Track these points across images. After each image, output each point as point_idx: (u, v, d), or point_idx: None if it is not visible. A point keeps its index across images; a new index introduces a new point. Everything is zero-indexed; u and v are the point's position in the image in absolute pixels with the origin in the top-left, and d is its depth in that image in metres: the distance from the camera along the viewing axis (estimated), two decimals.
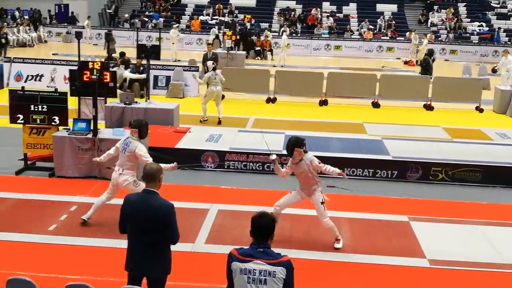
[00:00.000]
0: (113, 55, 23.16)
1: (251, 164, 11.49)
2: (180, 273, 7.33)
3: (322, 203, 7.99)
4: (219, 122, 14.95)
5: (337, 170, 8.06)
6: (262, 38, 31.96)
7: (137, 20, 38.32)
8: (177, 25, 34.44)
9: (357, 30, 38.88)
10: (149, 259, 5.43)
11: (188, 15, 41.02)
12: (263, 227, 4.59)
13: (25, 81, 19.53)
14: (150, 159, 8.11)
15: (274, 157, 8.02)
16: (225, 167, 11.50)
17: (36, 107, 10.79)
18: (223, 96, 18.72)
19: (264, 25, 38.43)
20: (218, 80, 15.07)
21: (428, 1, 41.74)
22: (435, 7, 41.28)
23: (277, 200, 8.33)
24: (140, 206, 5.36)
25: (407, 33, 35.93)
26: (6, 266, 7.14)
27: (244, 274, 4.49)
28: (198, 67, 20.55)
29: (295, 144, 7.80)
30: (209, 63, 15.64)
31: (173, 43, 28.64)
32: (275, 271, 4.45)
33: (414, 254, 8.11)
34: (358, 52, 34.84)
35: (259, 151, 11.57)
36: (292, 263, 4.53)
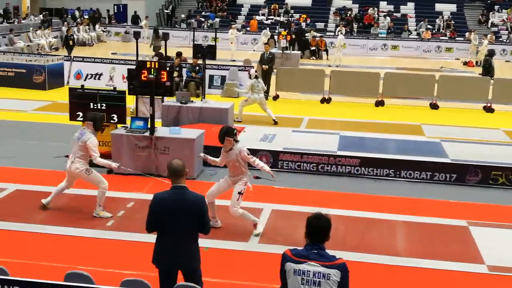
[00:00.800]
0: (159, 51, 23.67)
1: (305, 164, 11.42)
2: (233, 272, 7.36)
3: (240, 193, 8.27)
4: (275, 123, 14.91)
5: (266, 168, 8.46)
6: (309, 37, 31.77)
7: (193, 20, 38.75)
8: (236, 25, 34.62)
9: (415, 30, 38.19)
10: (187, 251, 5.59)
11: (244, 15, 41.21)
12: (319, 229, 4.54)
13: (85, 80, 20.02)
14: (97, 154, 8.70)
15: (202, 155, 8.87)
16: (279, 167, 11.47)
17: (95, 105, 11.03)
18: (277, 96, 18.77)
19: (319, 24, 38.23)
20: (261, 88, 15.14)
21: (489, 1, 40.61)
22: (496, 7, 40.11)
23: (334, 200, 8.29)
24: (176, 202, 5.47)
25: (467, 34, 35.05)
26: (64, 260, 7.33)
27: (298, 275, 4.46)
28: (252, 66, 20.59)
29: (225, 134, 8.16)
30: (252, 71, 15.71)
31: (231, 43, 28.79)
32: (330, 274, 4.40)
33: (473, 260, 7.89)
34: (416, 52, 34.19)
35: (314, 152, 11.51)
36: (347, 266, 4.47)
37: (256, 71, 15.72)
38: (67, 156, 9.68)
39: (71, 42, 25.79)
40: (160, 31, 30.10)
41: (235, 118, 15.04)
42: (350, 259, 5.84)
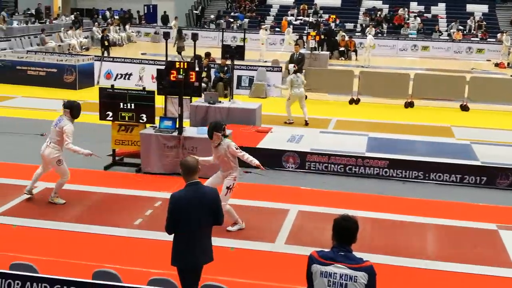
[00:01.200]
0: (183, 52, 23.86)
1: (332, 165, 11.36)
2: (260, 273, 7.36)
3: (228, 188, 8.35)
4: (306, 124, 14.87)
5: (256, 161, 8.45)
6: (338, 38, 31.61)
7: (222, 21, 38.88)
8: (266, 25, 34.61)
9: (446, 30, 37.73)
10: (209, 246, 5.72)
11: (273, 16, 41.20)
12: (346, 231, 4.51)
13: (115, 80, 20.22)
14: (70, 141, 8.92)
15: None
16: (306, 168, 11.44)
17: (124, 105, 11.14)
18: (305, 97, 18.70)
19: (349, 25, 38.03)
20: (300, 83, 15.08)
21: None
22: None
23: (362, 202, 8.24)
24: (195, 198, 5.56)
25: (498, 35, 34.49)
26: (93, 258, 7.41)
27: (325, 277, 4.44)
28: (281, 67, 20.59)
29: (214, 129, 8.29)
30: (290, 66, 15.65)
31: (262, 44, 28.82)
32: (357, 276, 4.37)
33: (502, 264, 7.76)
34: (447, 53, 33.78)
35: (341, 153, 11.45)
36: (374, 269, 4.43)
37: (294, 66, 15.58)
38: (42, 135, 9.84)
39: (106, 43, 26.04)
40: (184, 31, 30.72)
41: (286, 120, 14.99)
42: (377, 261, 5.80)
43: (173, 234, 5.70)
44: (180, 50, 27.00)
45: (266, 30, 31.14)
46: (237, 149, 8.32)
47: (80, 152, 9.13)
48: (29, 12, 37.02)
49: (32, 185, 9.40)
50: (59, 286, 4.96)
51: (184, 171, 5.66)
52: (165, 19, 40.27)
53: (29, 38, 27.97)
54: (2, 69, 20.44)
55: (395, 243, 8.36)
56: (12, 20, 32.40)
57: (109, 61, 21.28)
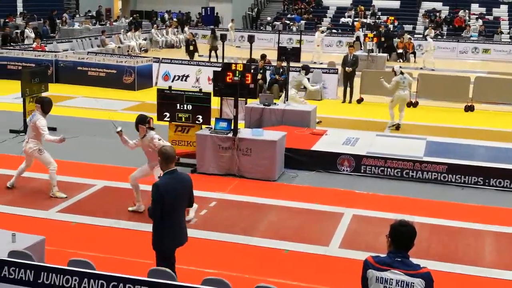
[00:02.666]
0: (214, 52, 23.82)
1: (388, 169, 11.17)
2: (313, 276, 7.31)
3: (160, 177, 8.25)
4: (398, 128, 14.60)
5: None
6: (404, 40, 31.08)
7: (278, 23, 38.92)
8: (322, 27, 34.43)
9: (508, 33, 36.60)
10: (185, 226, 6.24)
11: (330, 17, 40.96)
12: (403, 236, 4.42)
13: (172, 81, 20.52)
14: (46, 132, 9.44)
15: (119, 129, 8.93)
16: (362, 171, 11.29)
17: (181, 106, 11.28)
18: (362, 99, 18.51)
19: (407, 27, 37.42)
20: (407, 84, 14.78)
21: None
22: None
23: (419, 207, 8.09)
24: (177, 184, 5.97)
25: None
26: (148, 257, 7.49)
27: (380, 283, 4.36)
28: (337, 69, 20.43)
29: (139, 122, 8.73)
30: (396, 67, 15.22)
31: (318, 45, 28.71)
32: (413, 283, 4.27)
33: None
34: (508, 56, 32.73)
35: (398, 157, 11.25)
36: (431, 276, 4.33)
37: (400, 67, 15.26)
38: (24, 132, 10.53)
39: (191, 47, 26.15)
40: (241, 34, 30.97)
41: (389, 125, 14.79)
42: (434, 268, 5.66)
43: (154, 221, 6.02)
44: (214, 49, 27.67)
45: (322, 32, 30.94)
46: (159, 140, 8.71)
47: (55, 140, 9.55)
48: (90, 14, 38.04)
49: (15, 180, 9.90)
50: (115, 283, 5.04)
51: (164, 159, 5.97)
52: (217, 21, 40.68)
53: (89, 39, 28.71)
54: (64, 69, 21.04)
55: (453, 250, 8.16)
56: (74, 21, 33.37)
57: (167, 62, 21.60)
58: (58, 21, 32.57)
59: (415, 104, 18.25)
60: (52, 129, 13.53)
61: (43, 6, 33.77)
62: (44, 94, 14.21)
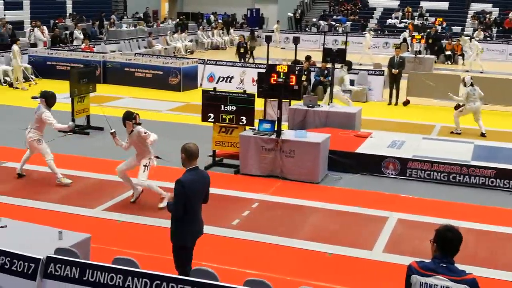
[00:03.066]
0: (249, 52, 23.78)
1: (435, 173, 10.97)
2: (356, 280, 7.24)
3: (145, 166, 9.29)
4: (483, 135, 14.26)
5: (156, 136, 9.27)
6: (463, 43, 30.45)
7: (324, 24, 38.73)
8: (371, 29, 34.09)
9: None
10: (202, 222, 6.42)
11: (376, 19, 40.55)
12: (449, 242, 4.34)
13: (217, 82, 20.66)
14: (54, 121, 10.11)
15: (113, 130, 9.35)
16: (407, 175, 11.12)
17: (226, 107, 11.34)
18: (408, 101, 18.23)
19: (456, 28, 36.72)
20: (477, 96, 14.47)
21: None
22: None
23: (465, 212, 7.92)
24: (200, 181, 6.18)
25: None
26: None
27: None
28: (383, 71, 20.20)
29: (126, 118, 9.21)
30: (467, 78, 14.82)
31: (368, 48, 28.43)
32: None
33: None
34: None
35: (445, 161, 11.04)
36: (477, 282, 4.23)
37: (471, 78, 14.88)
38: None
39: (242, 50, 26.23)
40: (286, 35, 31.00)
41: (454, 130, 14.55)
42: (481, 275, 5.53)
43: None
44: (252, 50, 28.08)
45: (371, 33, 30.60)
46: (145, 133, 9.14)
47: (66, 128, 10.36)
48: (137, 16, 38.62)
49: (21, 166, 10.48)
50: (158, 282, 5.10)
51: (187, 156, 6.08)
52: (262, 22, 40.76)
53: (137, 41, 29.16)
54: (111, 70, 21.42)
55: (500, 256, 7.96)
56: (121, 23, 33.93)
57: (212, 64, 21.76)
58: (106, 22, 33.17)
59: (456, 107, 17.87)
60: (99, 128, 13.83)
61: (92, 8, 34.46)
62: (92, 95, 14.52)
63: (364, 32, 32.33)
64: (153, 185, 9.36)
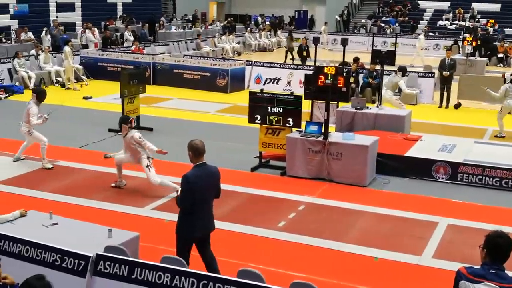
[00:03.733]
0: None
1: (487, 178, 10.70)
2: (404, 285, 7.13)
3: (148, 166, 9.81)
4: (502, 137, 14.06)
5: (154, 148, 9.72)
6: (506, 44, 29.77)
7: (372, 25, 38.35)
8: (425, 31, 33.56)
9: None
10: (213, 216, 6.58)
11: (427, 20, 39.91)
12: (499, 248, 4.25)
13: (264, 84, 20.68)
14: (34, 119, 10.89)
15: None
16: (458, 179, 10.87)
17: (273, 108, 11.33)
18: (459, 104, 17.87)
19: (508, 30, 35.79)
20: None
21: None
22: None
23: None
24: (206, 177, 6.30)
25: None
26: (237, 257, 7.59)
27: None
28: (433, 73, 19.85)
29: (122, 122, 9.94)
30: (507, 75, 14.57)
31: (421, 49, 27.99)
32: None
33: None
34: None
35: (498, 165, 10.75)
36: None
37: (511, 75, 14.58)
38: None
39: (304, 53, 25.99)
40: (333, 37, 30.85)
41: (497, 134, 14.27)
42: None
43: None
44: (290, 50, 28.32)
45: (424, 35, 30.09)
46: (140, 138, 9.74)
47: (40, 123, 11.01)
48: (186, 18, 39.03)
49: (20, 154, 11.42)
50: (205, 281, 5.13)
51: (194, 153, 6.28)
52: (311, 24, 40.61)
53: (185, 42, 29.48)
54: (160, 72, 21.71)
55: None
56: (171, 25, 34.36)
57: (259, 66, 21.80)
58: (156, 24, 33.65)
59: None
60: (148, 129, 14.03)
61: (142, 10, 35.02)
62: (141, 96, 14.74)
63: (415, 34, 31.77)
64: (166, 181, 9.76)
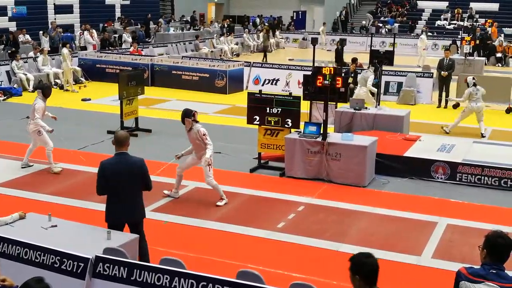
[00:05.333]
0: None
1: (486, 178, 10.70)
2: (404, 286, 7.12)
3: (210, 164, 9.34)
4: (483, 136, 14.19)
5: (209, 155, 9.22)
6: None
7: (371, 26, 38.35)
8: (425, 31, 33.58)
9: None
10: (132, 206, 6.69)
11: (425, 20, 39.92)
12: (499, 248, 4.25)
13: (263, 85, 20.67)
14: (38, 116, 10.73)
15: (177, 156, 9.78)
16: (457, 179, 10.87)
17: (271, 109, 11.33)
18: (458, 104, 17.87)
19: (507, 30, 35.81)
20: (480, 96, 14.33)
21: None
22: None
23: None
24: (121, 165, 6.55)
25: None
26: (237, 258, 7.59)
27: None
28: (432, 73, 19.86)
29: (185, 115, 9.36)
30: (469, 79, 14.80)
31: (424, 49, 27.99)
32: None
33: None
34: None
35: (496, 165, 10.75)
36: None
37: (473, 78, 14.83)
38: (28, 117, 11.44)
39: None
40: (332, 37, 30.90)
41: (445, 128, 14.53)
42: None
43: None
44: (265, 49, 29.12)
45: (426, 35, 30.05)
46: (204, 135, 9.25)
47: (45, 128, 10.82)
48: (184, 19, 39.00)
49: (27, 157, 11.16)
50: (204, 283, 5.12)
51: (115, 142, 6.66)
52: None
53: (184, 44, 29.45)
54: (159, 73, 21.70)
55: None
56: (169, 27, 34.33)
57: (257, 67, 21.80)
58: (153, 26, 33.62)
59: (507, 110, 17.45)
60: (147, 130, 14.02)
61: (140, 12, 34.99)
62: (140, 97, 14.72)
63: (413, 34, 31.74)
64: (218, 186, 9.58)
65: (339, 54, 23.23)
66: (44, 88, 11.23)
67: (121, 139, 6.68)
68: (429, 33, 35.63)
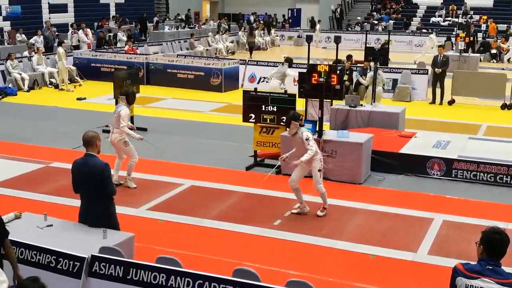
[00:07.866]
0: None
1: (481, 174, 10.72)
2: (399, 282, 7.14)
3: (320, 170, 8.78)
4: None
5: (305, 159, 8.57)
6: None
7: (366, 23, 38.38)
8: (434, 30, 33.62)
9: None
10: (94, 212, 6.46)
11: (420, 17, 39.97)
12: (496, 244, 4.26)
13: (258, 83, 20.66)
14: (125, 123, 9.75)
15: (281, 160, 9.23)
16: (452, 175, 10.90)
17: (267, 107, 11.32)
18: (453, 101, 17.92)
19: (501, 26, 35.86)
20: (380, 81, 15.04)
21: None
22: None
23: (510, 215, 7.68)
24: (82, 166, 6.46)
25: None
26: (233, 256, 7.58)
27: None
28: (427, 70, 19.88)
29: (292, 118, 8.70)
30: (372, 64, 15.39)
31: (432, 48, 27.97)
32: None
33: None
34: None
35: (492, 161, 10.78)
36: None
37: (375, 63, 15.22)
38: (107, 126, 10.94)
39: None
40: (327, 35, 30.80)
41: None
42: None
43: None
44: (250, 45, 29.63)
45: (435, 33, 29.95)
46: (307, 139, 8.60)
47: (132, 135, 9.91)
48: (179, 18, 38.97)
49: (116, 174, 10.04)
50: (201, 281, 5.12)
51: (83, 142, 6.57)
52: (313, 24, 40.72)
53: (179, 42, 29.42)
54: (154, 72, 21.67)
55: None
56: (164, 25, 34.30)
57: (253, 64, 21.79)
58: (150, 24, 33.58)
59: (509, 107, 17.48)
60: (142, 129, 14.00)
61: (134, 10, 34.95)
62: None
63: (408, 31, 31.79)
64: (325, 194, 9.02)
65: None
66: (128, 94, 10.22)
67: (87, 140, 6.54)
68: (423, 30, 35.72)
